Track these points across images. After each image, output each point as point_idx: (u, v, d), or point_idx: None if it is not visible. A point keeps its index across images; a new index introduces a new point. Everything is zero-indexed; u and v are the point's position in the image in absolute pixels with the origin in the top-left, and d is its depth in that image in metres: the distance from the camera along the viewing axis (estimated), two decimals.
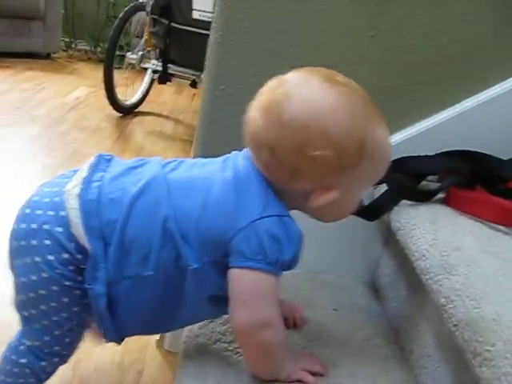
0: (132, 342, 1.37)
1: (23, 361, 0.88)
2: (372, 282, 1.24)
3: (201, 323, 0.98)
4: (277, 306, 0.80)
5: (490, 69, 1.13)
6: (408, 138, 1.14)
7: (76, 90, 4.05)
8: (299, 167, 0.76)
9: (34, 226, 0.81)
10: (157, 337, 1.39)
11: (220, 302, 0.82)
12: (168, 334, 1.36)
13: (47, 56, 5.05)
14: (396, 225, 1.00)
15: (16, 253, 0.84)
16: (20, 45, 4.68)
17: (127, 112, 3.65)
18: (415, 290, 1.00)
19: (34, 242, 0.81)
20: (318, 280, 1.20)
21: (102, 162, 0.88)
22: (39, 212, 0.82)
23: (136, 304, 0.83)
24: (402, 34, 1.09)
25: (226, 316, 0.98)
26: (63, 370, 1.24)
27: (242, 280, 0.78)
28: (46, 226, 0.80)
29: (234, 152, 0.87)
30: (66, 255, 0.80)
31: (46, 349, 0.88)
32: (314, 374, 0.86)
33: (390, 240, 1.14)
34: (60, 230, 0.80)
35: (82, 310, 0.85)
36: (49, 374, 0.93)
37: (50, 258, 0.80)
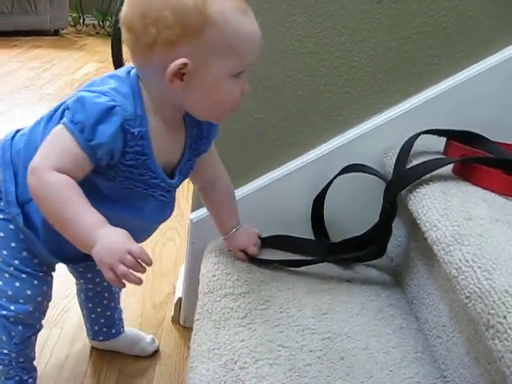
0: (147, 319, 1.39)
1: None
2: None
3: (214, 299, 0.98)
4: (58, 160, 0.78)
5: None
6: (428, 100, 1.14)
7: (85, 65, 4.04)
8: (149, 35, 0.76)
9: None
10: (172, 312, 1.40)
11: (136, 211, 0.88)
12: (183, 310, 1.37)
13: (55, 32, 5.03)
14: (407, 194, 0.98)
15: None
16: (26, 23, 4.66)
17: None
18: (428, 260, 0.99)
19: None
20: None
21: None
22: None
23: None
24: None
25: (238, 292, 0.99)
26: (82, 348, 1.28)
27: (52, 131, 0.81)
28: None
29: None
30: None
31: (3, 295, 0.94)
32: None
33: (403, 209, 1.13)
34: None
35: (21, 246, 0.92)
36: (17, 328, 0.97)
37: None
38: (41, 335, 1.24)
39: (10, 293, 0.94)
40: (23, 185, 0.85)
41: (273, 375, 0.81)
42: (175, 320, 1.41)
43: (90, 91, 0.78)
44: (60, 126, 0.79)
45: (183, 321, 1.39)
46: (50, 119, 0.89)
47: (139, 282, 0.74)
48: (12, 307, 0.94)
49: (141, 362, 1.27)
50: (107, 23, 5.42)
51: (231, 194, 1.07)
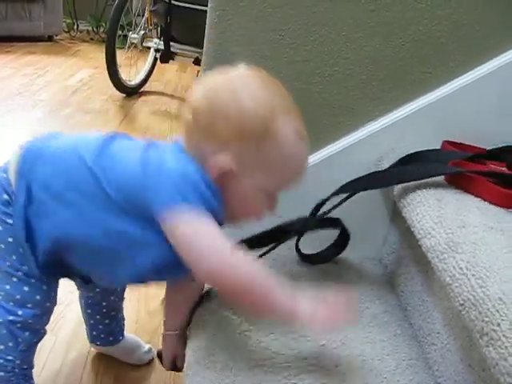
0: (142, 326, 1.39)
1: None
2: (380, 258, 1.23)
3: (210, 307, 0.98)
4: (222, 237, 0.77)
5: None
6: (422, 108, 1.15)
7: (79, 72, 4.05)
8: (210, 126, 0.79)
9: None
10: None
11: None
12: None
13: (49, 38, 5.03)
14: (401, 201, 0.99)
15: None
16: (20, 29, 4.66)
17: (131, 92, 3.63)
18: (422, 267, 1.00)
19: None
20: None
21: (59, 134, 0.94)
22: None
23: (57, 242, 0.88)
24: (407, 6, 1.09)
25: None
26: (77, 355, 1.28)
27: (175, 225, 0.77)
28: None
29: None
30: (5, 196, 0.88)
31: (10, 300, 0.93)
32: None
33: (397, 216, 1.13)
34: (4, 175, 0.89)
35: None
36: (24, 334, 0.96)
37: None
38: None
39: (18, 297, 0.93)
40: (37, 204, 0.86)
41: (268, 381, 0.81)
42: None
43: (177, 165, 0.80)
44: (181, 221, 0.77)
45: None
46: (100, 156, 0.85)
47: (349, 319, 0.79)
48: (20, 312, 0.93)
49: (136, 370, 1.27)
50: (101, 29, 5.43)
51: (196, 294, 1.03)
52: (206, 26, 1.10)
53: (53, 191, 0.85)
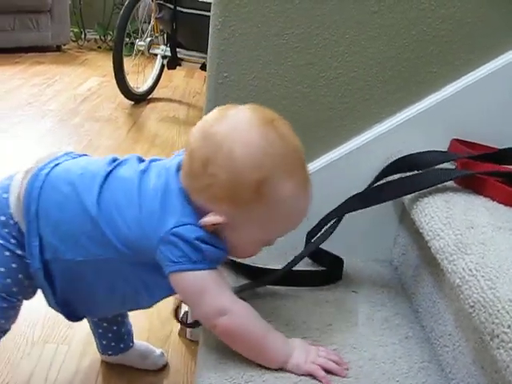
0: (155, 333, 1.39)
1: None
2: (390, 260, 1.23)
3: None
4: (223, 293, 0.83)
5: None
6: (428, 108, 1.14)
7: (88, 80, 4.06)
8: (202, 183, 0.79)
9: None
10: (179, 326, 1.40)
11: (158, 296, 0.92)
12: None
13: (57, 48, 5.05)
14: (410, 203, 0.98)
15: None
16: (28, 39, 4.68)
17: (140, 99, 3.64)
18: (433, 269, 0.99)
19: None
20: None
21: (66, 156, 0.96)
22: None
23: (72, 282, 0.92)
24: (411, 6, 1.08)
25: None
26: (90, 364, 1.28)
27: (180, 283, 0.83)
28: None
29: (176, 157, 0.90)
30: (3, 218, 0.90)
31: None
32: (327, 371, 0.84)
33: (406, 218, 1.13)
34: (5, 196, 0.90)
35: (25, 278, 0.92)
36: None
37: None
38: (48, 352, 1.25)
39: None
40: (49, 246, 0.88)
41: None
42: (182, 334, 1.40)
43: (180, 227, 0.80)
44: (187, 275, 0.81)
45: (190, 335, 1.39)
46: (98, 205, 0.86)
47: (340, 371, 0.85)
48: None
49: (149, 377, 1.27)
50: (109, 37, 5.45)
51: None
52: (210, 32, 1.10)
53: (62, 236, 0.87)
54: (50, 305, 0.96)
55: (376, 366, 0.88)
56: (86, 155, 1.00)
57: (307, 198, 0.83)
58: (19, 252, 0.90)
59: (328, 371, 0.84)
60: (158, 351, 1.32)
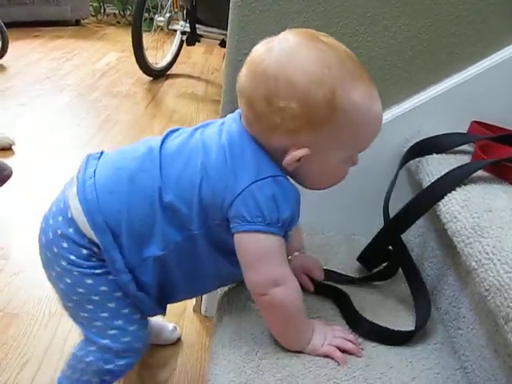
0: (170, 308, 1.40)
1: (93, 368, 0.91)
2: (406, 241, 1.22)
3: (236, 293, 0.99)
4: (284, 265, 0.82)
5: None
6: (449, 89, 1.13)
7: (106, 55, 4.07)
8: (272, 121, 0.76)
9: (50, 235, 0.86)
10: (193, 302, 1.41)
11: (237, 262, 0.84)
12: (204, 300, 1.38)
13: (76, 23, 5.06)
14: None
15: (47, 265, 0.89)
16: (47, 13, 4.68)
17: (158, 75, 3.64)
18: (448, 251, 0.99)
19: (55, 250, 0.86)
20: (354, 243, 1.19)
21: (91, 159, 0.89)
22: (51, 221, 0.87)
23: (162, 279, 0.88)
24: None
25: None
26: None
27: (245, 243, 0.80)
28: (59, 231, 0.85)
29: (229, 115, 0.87)
30: (84, 251, 0.84)
31: (108, 351, 0.89)
32: (344, 351, 0.85)
33: None
34: (71, 230, 0.84)
35: (125, 294, 0.87)
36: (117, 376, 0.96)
37: (72, 257, 0.84)
38: (65, 325, 1.26)
39: (118, 349, 0.90)
40: (129, 249, 0.84)
41: (293, 366, 0.82)
42: (197, 310, 1.42)
43: (261, 181, 0.78)
44: (256, 237, 0.79)
45: (205, 310, 1.40)
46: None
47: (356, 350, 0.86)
48: (121, 362, 0.91)
49: (163, 352, 1.29)
50: (128, 12, 5.43)
51: None
52: (230, 8, 1.09)
53: (137, 237, 0.83)
54: (146, 314, 0.93)
55: (389, 347, 0.88)
56: (102, 152, 0.92)
57: (378, 101, 0.80)
58: (98, 271, 0.85)
59: (345, 351, 0.85)
60: (171, 326, 1.33)
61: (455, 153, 1.05)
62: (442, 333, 0.95)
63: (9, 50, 3.45)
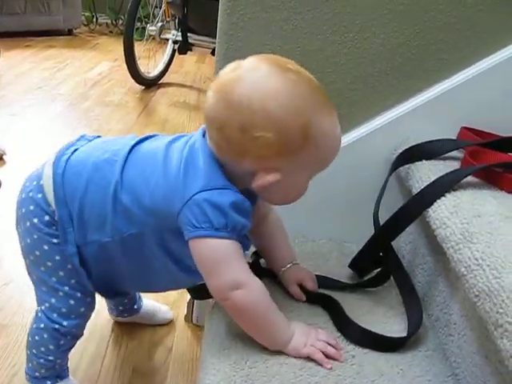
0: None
1: (41, 325, 0.99)
2: (397, 248, 1.22)
3: None
4: (243, 267, 0.83)
5: None
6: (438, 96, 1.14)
7: (98, 65, 4.07)
8: (244, 147, 0.78)
9: (23, 195, 0.94)
10: (185, 311, 1.40)
11: (191, 271, 0.87)
12: (195, 308, 1.37)
13: (68, 32, 5.06)
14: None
15: (18, 220, 0.96)
16: (40, 23, 4.69)
17: (150, 84, 3.64)
18: (438, 257, 0.99)
19: (23, 210, 0.93)
20: (345, 250, 1.18)
21: (82, 139, 0.98)
22: (27, 183, 0.95)
23: (104, 264, 0.94)
24: None
25: None
26: (95, 348, 1.29)
27: (198, 250, 0.82)
28: (30, 194, 0.92)
29: (199, 130, 0.89)
30: (47, 217, 0.91)
31: (55, 311, 0.97)
32: (326, 355, 0.85)
33: None
34: (40, 196, 0.91)
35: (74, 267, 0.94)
36: (66, 338, 1.01)
37: (35, 220, 0.91)
38: None
39: (63, 310, 0.97)
40: (78, 229, 0.90)
41: (283, 374, 0.81)
42: (188, 318, 1.41)
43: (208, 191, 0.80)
44: (208, 242, 0.80)
45: (196, 319, 1.39)
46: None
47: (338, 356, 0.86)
48: (65, 323, 0.98)
49: (154, 360, 1.28)
50: (120, 22, 5.44)
51: (282, 225, 1.04)
52: (219, 16, 1.09)
53: (88, 220, 0.90)
54: (84, 286, 0.97)
55: (380, 354, 0.88)
56: (99, 137, 1.00)
57: (339, 125, 0.83)
58: (55, 240, 0.92)
59: (326, 355, 0.85)
60: (164, 307, 1.41)
61: (445, 159, 1.05)
62: (433, 339, 0.94)
63: (0, 59, 3.44)
